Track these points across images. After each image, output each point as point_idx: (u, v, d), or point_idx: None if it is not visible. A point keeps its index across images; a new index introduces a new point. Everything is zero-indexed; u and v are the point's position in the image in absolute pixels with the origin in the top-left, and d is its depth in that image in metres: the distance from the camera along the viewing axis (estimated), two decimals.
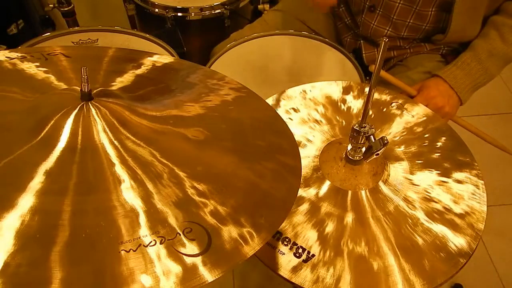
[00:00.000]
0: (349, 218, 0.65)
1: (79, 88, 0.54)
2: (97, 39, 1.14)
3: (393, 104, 0.82)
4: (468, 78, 1.01)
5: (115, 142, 0.52)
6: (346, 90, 0.84)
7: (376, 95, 0.83)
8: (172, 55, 1.09)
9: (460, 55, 1.04)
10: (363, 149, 0.68)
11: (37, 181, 0.47)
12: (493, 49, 1.00)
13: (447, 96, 1.00)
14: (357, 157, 0.69)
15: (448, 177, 0.70)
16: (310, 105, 0.81)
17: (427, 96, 0.98)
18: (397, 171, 0.71)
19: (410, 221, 0.65)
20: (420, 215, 0.65)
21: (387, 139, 0.62)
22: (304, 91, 0.84)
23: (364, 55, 1.16)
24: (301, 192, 0.68)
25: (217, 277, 0.42)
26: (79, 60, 0.69)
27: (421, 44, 1.12)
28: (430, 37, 1.09)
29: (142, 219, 0.46)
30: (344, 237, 0.63)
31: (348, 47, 1.20)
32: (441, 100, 0.98)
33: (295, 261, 0.61)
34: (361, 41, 1.17)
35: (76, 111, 0.52)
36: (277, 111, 0.67)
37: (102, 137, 0.52)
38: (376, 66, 0.58)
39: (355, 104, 0.82)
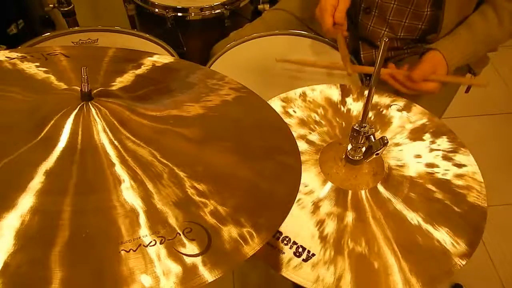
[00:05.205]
0: (349, 217, 0.65)
1: (79, 88, 0.54)
2: (97, 39, 1.14)
3: (392, 107, 0.82)
4: (459, 55, 0.98)
5: (115, 142, 0.52)
6: (346, 93, 0.84)
7: (375, 98, 0.83)
8: (172, 55, 1.09)
9: (457, 31, 1.00)
10: (363, 149, 0.68)
11: (37, 181, 0.47)
12: (490, 33, 0.97)
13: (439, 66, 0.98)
14: (357, 157, 0.69)
15: (448, 176, 0.70)
16: (310, 107, 0.81)
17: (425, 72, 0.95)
18: (397, 171, 0.71)
19: (410, 220, 0.65)
20: (420, 215, 0.65)
21: (387, 139, 0.62)
22: (304, 93, 0.84)
23: (362, 55, 1.17)
24: (301, 192, 0.68)
25: (217, 277, 0.42)
26: (79, 60, 0.69)
27: (417, 45, 1.12)
28: (426, 37, 1.09)
29: (142, 219, 0.46)
30: (344, 237, 0.63)
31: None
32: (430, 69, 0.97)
33: (296, 260, 0.61)
34: (359, 42, 1.17)
35: (76, 111, 0.52)
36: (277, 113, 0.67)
37: (102, 137, 0.52)
38: (376, 65, 0.58)
39: (355, 106, 0.82)
